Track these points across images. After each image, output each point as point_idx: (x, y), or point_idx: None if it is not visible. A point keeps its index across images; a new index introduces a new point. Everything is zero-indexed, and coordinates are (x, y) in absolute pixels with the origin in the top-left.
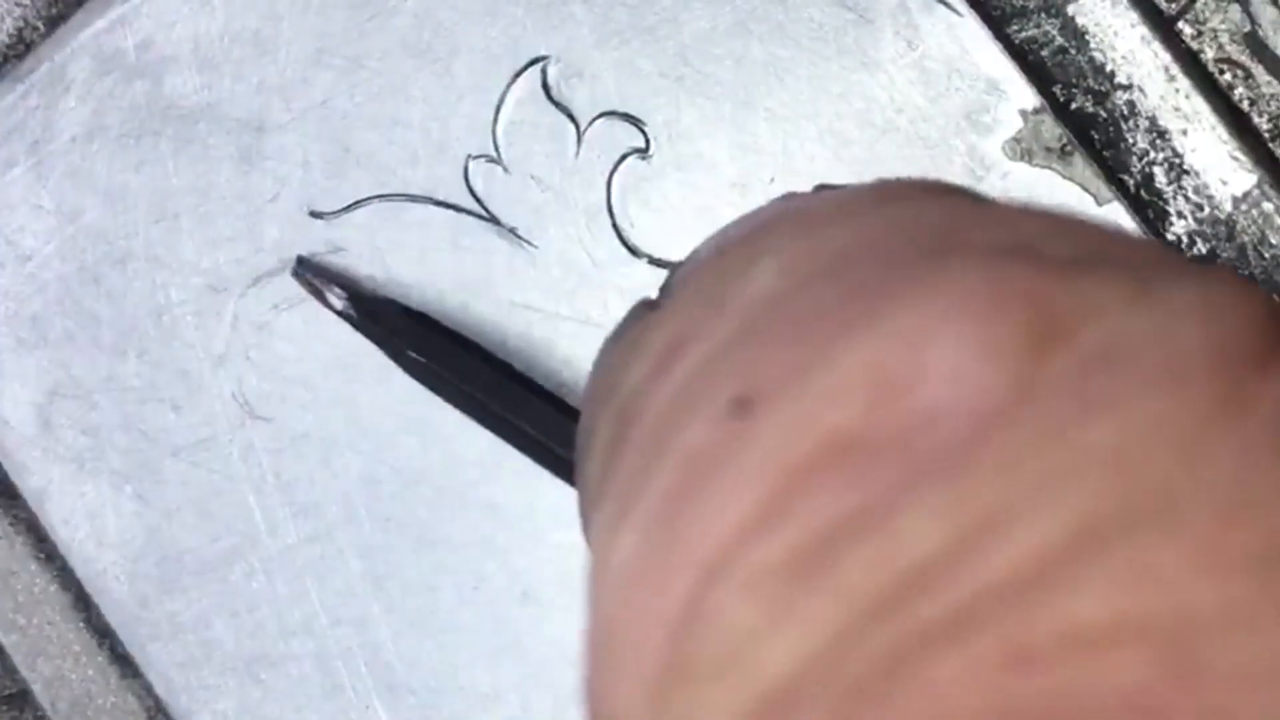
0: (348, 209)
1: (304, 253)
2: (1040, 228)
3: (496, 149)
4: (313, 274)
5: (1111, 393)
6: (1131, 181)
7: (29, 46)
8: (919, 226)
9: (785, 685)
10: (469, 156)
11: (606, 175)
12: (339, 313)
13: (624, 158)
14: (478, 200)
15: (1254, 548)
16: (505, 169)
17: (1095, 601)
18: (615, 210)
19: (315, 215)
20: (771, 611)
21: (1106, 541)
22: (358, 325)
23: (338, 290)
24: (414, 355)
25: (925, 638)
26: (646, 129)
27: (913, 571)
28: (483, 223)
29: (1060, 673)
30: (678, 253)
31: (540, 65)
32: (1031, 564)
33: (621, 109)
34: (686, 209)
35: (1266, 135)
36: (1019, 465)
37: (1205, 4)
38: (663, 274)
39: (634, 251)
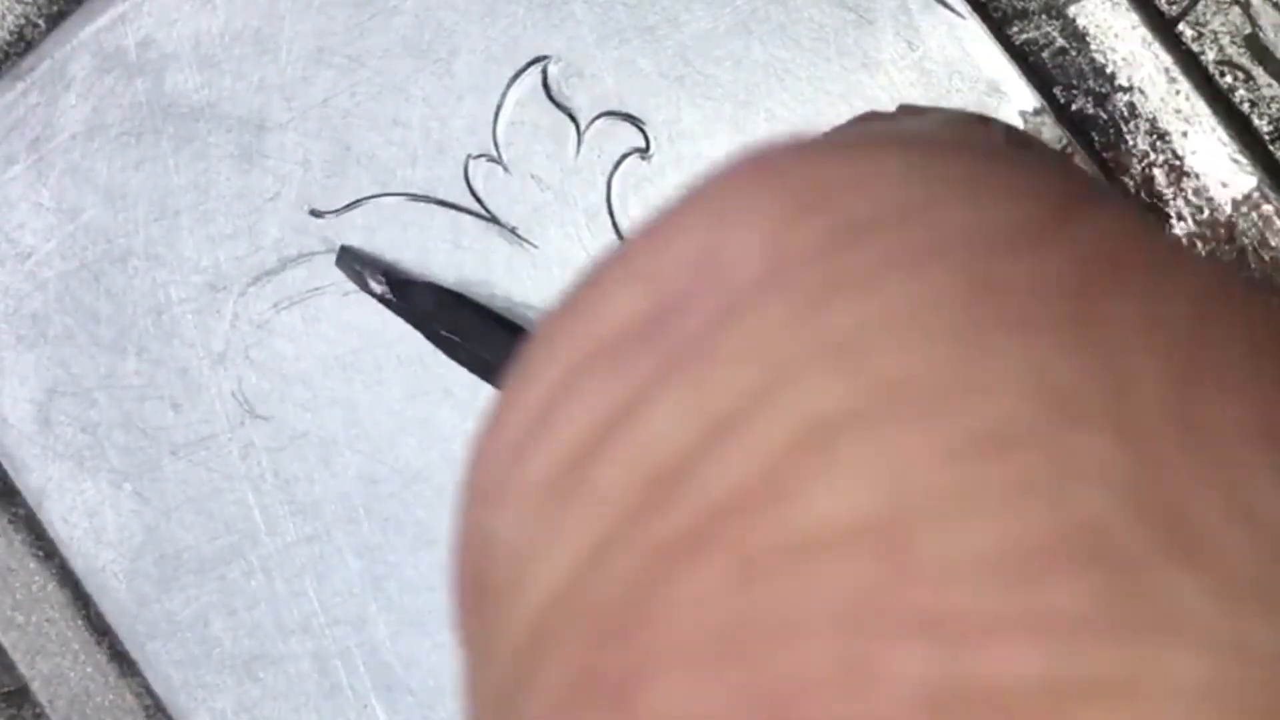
0: (348, 208)
1: (301, 252)
2: (909, 120)
3: (497, 149)
4: (354, 260)
5: (857, 270)
6: (1132, 183)
7: (30, 44)
8: None
9: (551, 606)
10: (469, 156)
11: (607, 175)
12: (378, 297)
13: (624, 158)
14: (478, 200)
15: (978, 431)
16: (505, 169)
17: (823, 504)
18: (615, 210)
19: (315, 214)
20: (539, 530)
21: (836, 438)
22: (396, 309)
23: (378, 276)
24: (451, 336)
25: (668, 553)
26: (647, 129)
27: (658, 477)
28: (483, 222)
29: (788, 583)
30: None
31: (541, 65)
32: (763, 468)
33: (622, 109)
34: None
35: (1267, 137)
36: (758, 355)
37: (1206, 6)
38: None
39: None
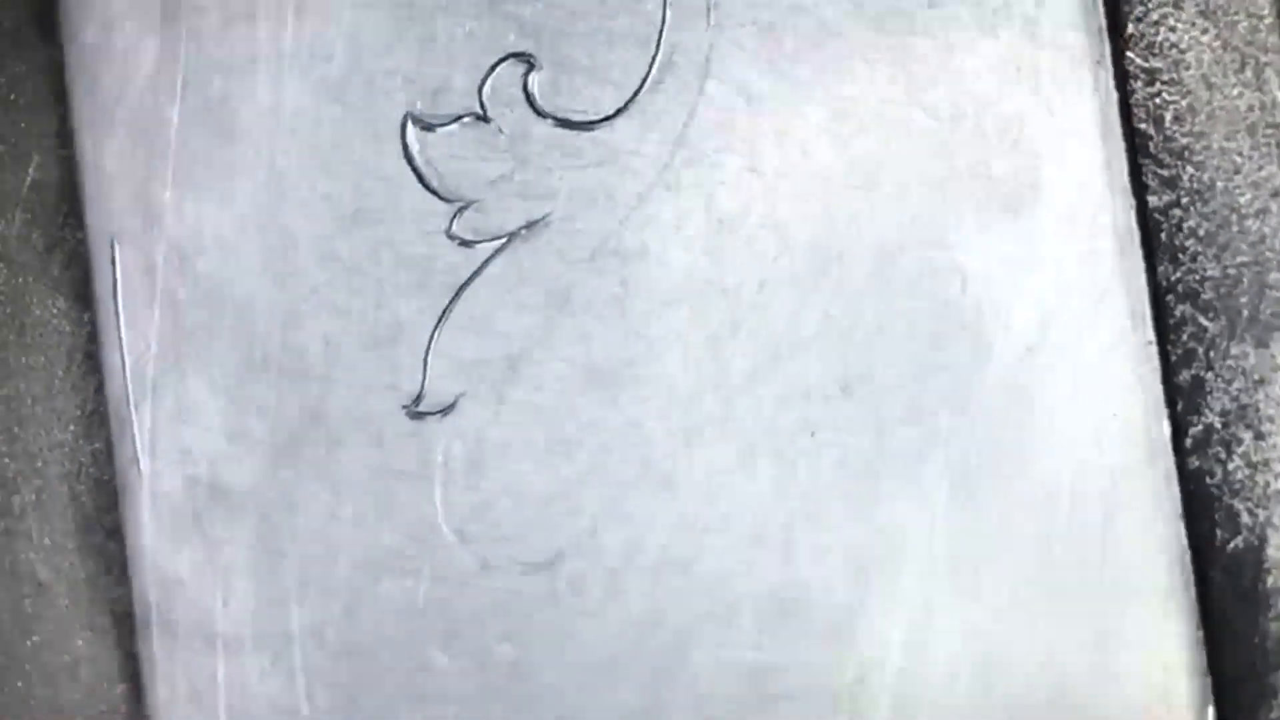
0: (425, 375)
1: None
2: None
3: (454, 201)
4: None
5: None
6: None
7: (127, 613)
8: None
9: None
10: (446, 231)
11: (530, 111)
12: None
13: (527, 86)
14: (486, 243)
15: None
16: (475, 203)
17: None
18: (561, 116)
19: (410, 408)
20: None
21: None
22: None
23: None
24: None
25: None
26: (516, 53)
27: None
28: (511, 250)
29: None
30: (628, 85)
31: (408, 121)
32: None
33: (486, 67)
34: (601, 59)
35: None
36: None
37: None
38: (641, 106)
39: (605, 120)
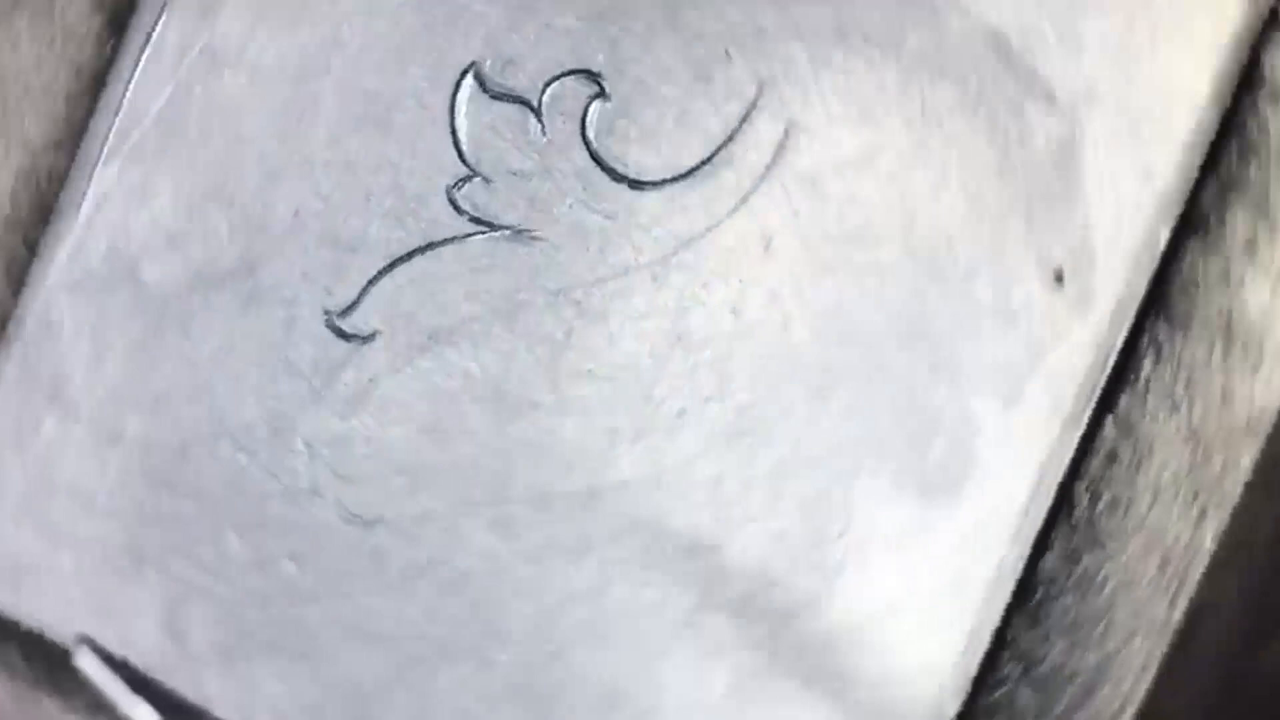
0: (361, 296)
1: (340, 359)
2: None
3: (470, 168)
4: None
5: None
6: None
7: (3, 322)
8: None
9: None
10: (449, 188)
11: (579, 132)
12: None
13: (588, 108)
14: (475, 220)
15: None
16: (486, 179)
17: None
18: (602, 157)
19: (332, 314)
20: None
21: None
22: None
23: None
24: None
25: None
26: (594, 73)
27: None
28: (492, 241)
29: None
30: (674, 167)
31: (470, 72)
32: None
33: (563, 68)
34: (664, 127)
35: None
36: None
37: None
38: (673, 192)
39: (638, 184)
